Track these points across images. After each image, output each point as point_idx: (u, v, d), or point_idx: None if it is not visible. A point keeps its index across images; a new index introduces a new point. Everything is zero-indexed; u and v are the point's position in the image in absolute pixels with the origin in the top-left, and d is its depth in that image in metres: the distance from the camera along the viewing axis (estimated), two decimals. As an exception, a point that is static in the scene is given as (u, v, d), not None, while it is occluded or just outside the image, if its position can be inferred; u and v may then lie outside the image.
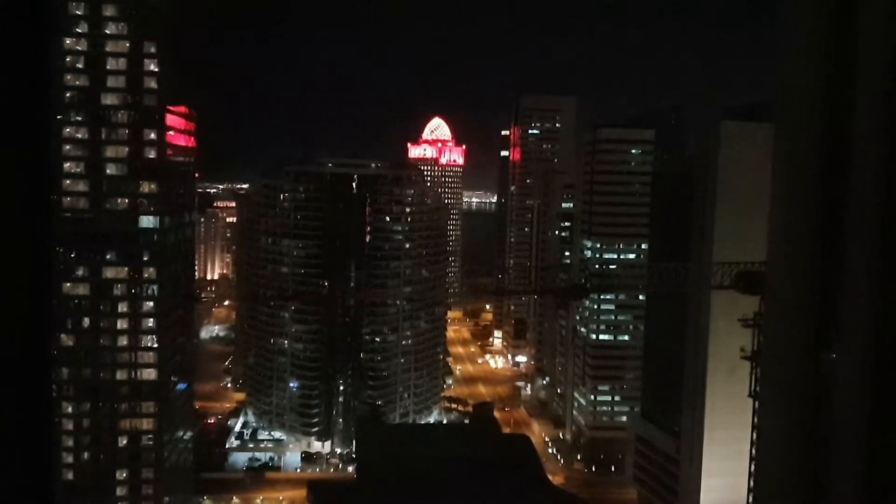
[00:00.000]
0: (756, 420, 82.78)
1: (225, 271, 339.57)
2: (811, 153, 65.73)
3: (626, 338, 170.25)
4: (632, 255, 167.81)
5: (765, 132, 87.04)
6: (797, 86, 67.48)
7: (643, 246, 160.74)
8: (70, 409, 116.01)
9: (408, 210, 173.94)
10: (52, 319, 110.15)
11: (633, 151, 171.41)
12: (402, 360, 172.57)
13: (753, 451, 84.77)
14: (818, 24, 64.58)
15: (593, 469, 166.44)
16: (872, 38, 59.24)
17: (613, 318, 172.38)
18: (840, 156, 62.81)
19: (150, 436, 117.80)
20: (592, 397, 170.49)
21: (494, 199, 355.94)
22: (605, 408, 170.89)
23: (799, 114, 67.34)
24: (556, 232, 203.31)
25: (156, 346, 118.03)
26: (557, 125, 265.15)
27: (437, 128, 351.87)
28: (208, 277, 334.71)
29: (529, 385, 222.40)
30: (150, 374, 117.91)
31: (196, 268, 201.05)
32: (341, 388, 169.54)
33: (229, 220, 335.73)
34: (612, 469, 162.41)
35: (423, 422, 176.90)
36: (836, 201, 63.45)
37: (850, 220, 61.67)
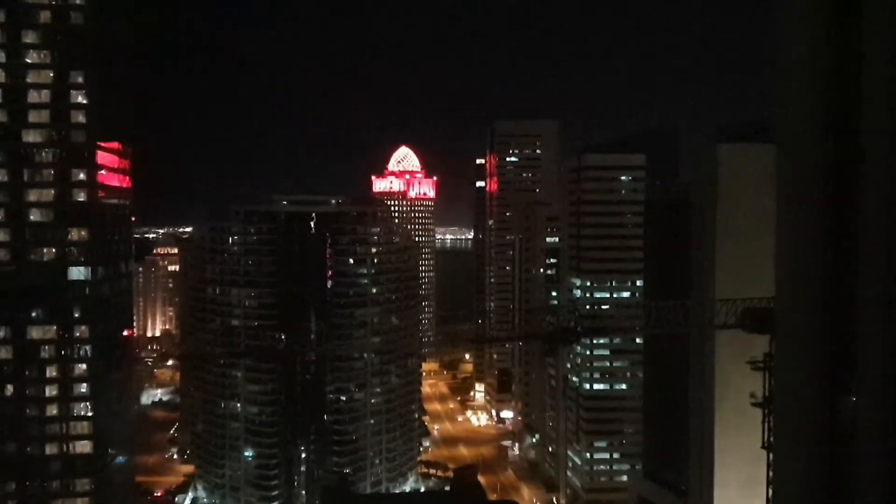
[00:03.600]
0: (771, 474, 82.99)
1: (167, 327, 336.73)
2: (817, 175, 66.80)
3: (624, 387, 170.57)
4: (626, 294, 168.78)
5: (765, 154, 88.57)
6: (798, 103, 68.86)
7: (638, 283, 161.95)
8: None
9: (374, 251, 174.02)
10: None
11: (623, 178, 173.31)
12: (372, 422, 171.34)
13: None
14: (819, 37, 66.13)
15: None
16: (877, 48, 60.75)
17: (608, 364, 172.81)
18: (850, 177, 63.89)
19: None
20: (588, 455, 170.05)
21: (471, 236, 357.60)
22: (602, 467, 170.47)
23: (802, 133, 68.60)
24: (541, 270, 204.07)
25: (90, 414, 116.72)
26: (538, 151, 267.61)
27: (405, 158, 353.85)
28: (149, 334, 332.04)
29: (517, 444, 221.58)
30: (84, 446, 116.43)
31: (134, 324, 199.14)
32: (303, 455, 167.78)
33: (171, 268, 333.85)
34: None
35: (397, 491, 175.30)
36: (847, 227, 64.42)
37: (865, 249, 62.58)
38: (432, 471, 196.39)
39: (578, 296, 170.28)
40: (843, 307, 65.03)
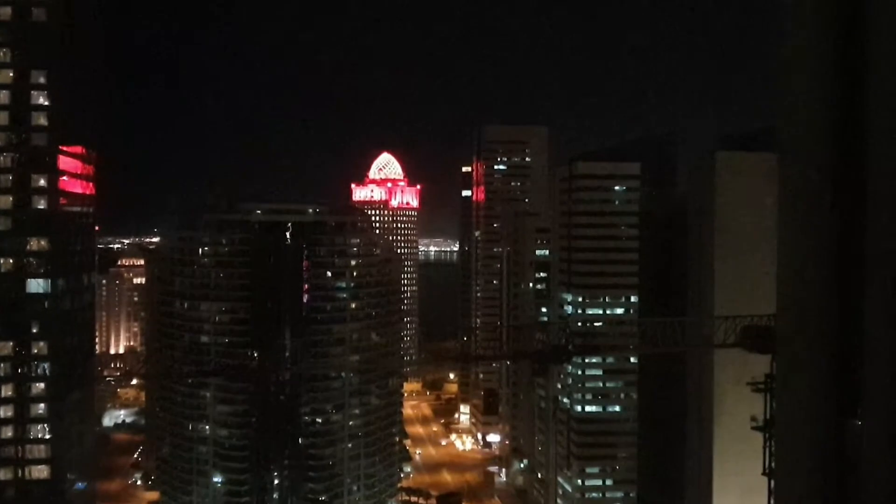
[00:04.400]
0: (772, 502, 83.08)
1: (132, 343, 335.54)
2: (822, 185, 66.95)
3: (617, 408, 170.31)
4: (620, 310, 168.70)
5: (766, 163, 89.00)
6: (802, 108, 69.12)
7: (633, 299, 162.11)
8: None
9: (353, 263, 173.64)
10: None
11: (617, 188, 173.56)
12: (350, 445, 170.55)
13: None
14: (823, 32, 66.50)
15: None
16: (884, 53, 61.10)
17: (601, 385, 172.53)
18: (856, 188, 64.05)
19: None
20: (580, 482, 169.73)
21: (456, 247, 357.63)
22: (595, 494, 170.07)
23: (805, 140, 68.84)
24: (530, 284, 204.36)
25: (48, 437, 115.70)
26: (527, 159, 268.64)
27: (387, 165, 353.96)
28: (112, 351, 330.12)
29: (504, 470, 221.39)
30: (41, 471, 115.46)
31: (97, 340, 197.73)
32: (276, 481, 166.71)
33: (137, 281, 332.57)
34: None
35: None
36: (854, 240, 64.55)
37: (872, 263, 62.73)
38: (414, 498, 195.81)
39: (570, 312, 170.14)
40: (849, 324, 65.11)
